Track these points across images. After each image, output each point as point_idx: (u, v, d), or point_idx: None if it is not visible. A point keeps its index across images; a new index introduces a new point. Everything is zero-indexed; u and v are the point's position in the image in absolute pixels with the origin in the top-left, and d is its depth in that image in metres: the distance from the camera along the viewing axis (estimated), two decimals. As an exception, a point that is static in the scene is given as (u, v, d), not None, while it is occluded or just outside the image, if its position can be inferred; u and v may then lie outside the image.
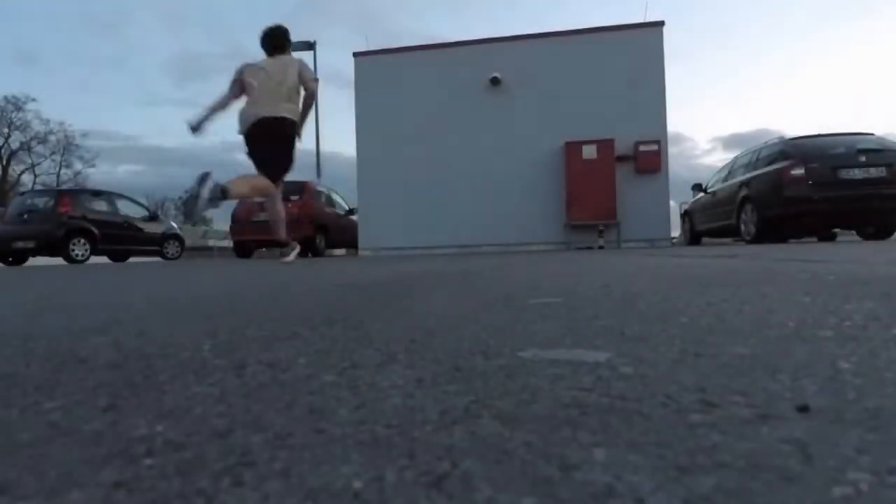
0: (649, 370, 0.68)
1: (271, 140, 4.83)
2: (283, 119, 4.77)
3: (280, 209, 5.26)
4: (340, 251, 14.77)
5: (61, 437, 0.51)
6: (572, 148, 10.49)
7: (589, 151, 10.46)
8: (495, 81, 10.88)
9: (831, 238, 10.56)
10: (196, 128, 5.02)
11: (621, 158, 10.44)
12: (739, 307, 1.22)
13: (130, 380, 0.72)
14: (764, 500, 0.34)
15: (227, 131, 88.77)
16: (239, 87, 4.98)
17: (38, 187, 33.76)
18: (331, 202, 12.57)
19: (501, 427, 0.49)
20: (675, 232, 12.77)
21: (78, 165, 40.64)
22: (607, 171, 10.38)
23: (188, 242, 15.41)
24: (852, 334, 0.87)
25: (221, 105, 5.05)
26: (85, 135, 40.50)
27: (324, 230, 11.59)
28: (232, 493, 0.37)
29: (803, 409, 0.51)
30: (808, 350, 0.77)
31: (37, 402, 0.63)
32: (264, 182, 4.82)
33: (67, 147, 39.94)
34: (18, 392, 0.68)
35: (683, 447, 0.42)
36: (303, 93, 4.97)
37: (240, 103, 5.00)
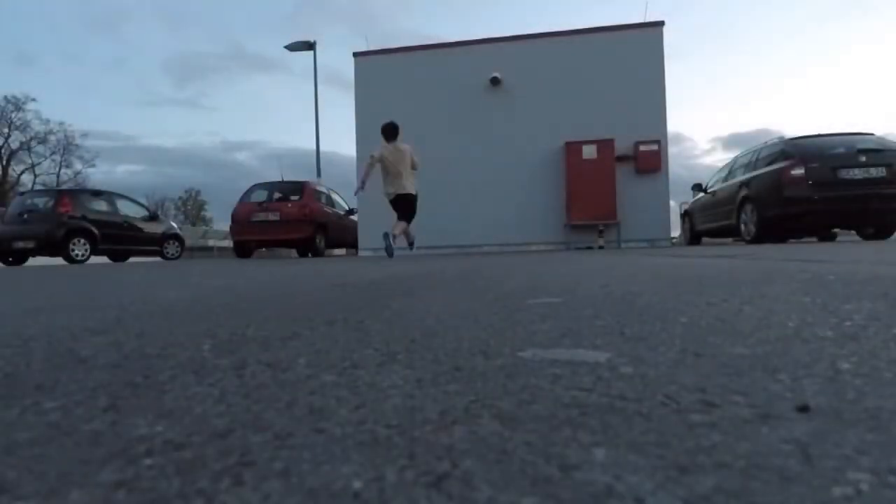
0: (649, 370, 0.68)
1: (404, 203, 8.18)
2: (408, 193, 8.13)
3: (407, 231, 8.37)
4: (340, 251, 14.77)
5: (61, 437, 0.51)
6: (572, 148, 10.49)
7: (589, 151, 10.46)
8: (495, 81, 10.88)
9: (831, 238, 10.56)
10: (361, 188, 8.36)
11: (621, 158, 10.44)
12: (739, 307, 1.22)
13: (130, 380, 0.72)
14: (764, 500, 0.34)
15: (227, 132, 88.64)
16: (376, 163, 8.00)
17: (38, 187, 33.74)
18: (331, 202, 12.56)
19: (501, 427, 0.49)
20: (675, 232, 12.77)
21: (78, 165, 40.64)
22: (607, 171, 10.38)
23: (188, 242, 15.41)
24: (852, 334, 0.87)
25: (367, 173, 8.08)
26: (85, 135, 40.46)
27: (324, 230, 11.58)
28: (232, 493, 0.37)
29: (803, 409, 0.51)
30: (808, 350, 0.77)
31: (37, 402, 0.63)
32: (403, 224, 8.23)
33: (67, 147, 39.95)
34: (18, 392, 0.68)
35: (683, 447, 0.42)
36: (413, 166, 8.17)
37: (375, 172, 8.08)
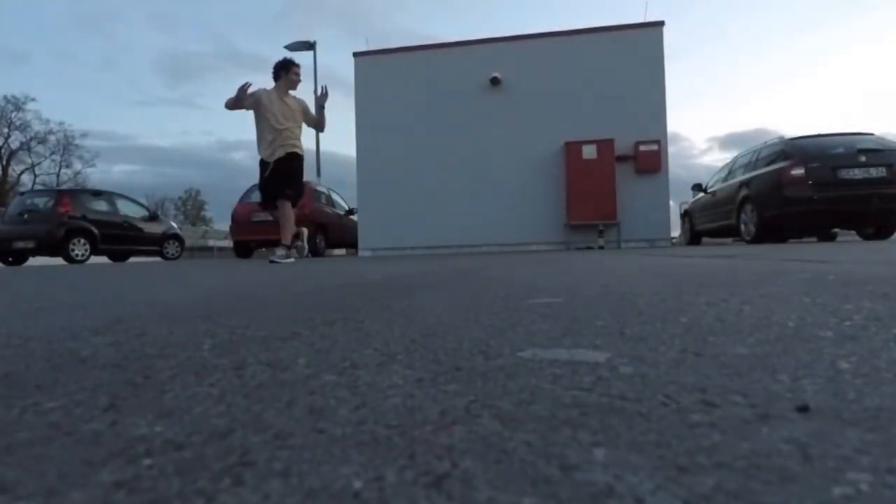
0: (649, 370, 0.68)
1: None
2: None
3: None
4: (340, 251, 14.77)
5: (61, 436, 0.51)
6: (572, 148, 10.50)
7: (589, 151, 10.46)
8: (495, 81, 10.88)
9: (831, 238, 10.57)
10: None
11: (621, 158, 10.45)
12: (739, 307, 1.22)
13: (130, 380, 0.72)
14: (764, 500, 0.34)
15: (223, 131, 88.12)
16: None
17: (38, 187, 33.75)
18: (331, 202, 12.57)
19: (501, 427, 0.49)
20: (675, 232, 12.78)
21: (78, 165, 40.66)
22: (607, 171, 10.38)
23: (188, 243, 15.40)
24: (852, 334, 0.87)
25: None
26: (84, 135, 40.48)
27: (324, 230, 11.58)
28: (232, 492, 0.37)
29: (803, 409, 0.51)
30: (808, 350, 0.77)
31: (37, 402, 0.63)
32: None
33: (67, 147, 39.97)
34: (18, 392, 0.68)
35: (683, 447, 0.42)
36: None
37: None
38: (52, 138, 39.43)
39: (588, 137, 10.45)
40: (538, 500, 0.34)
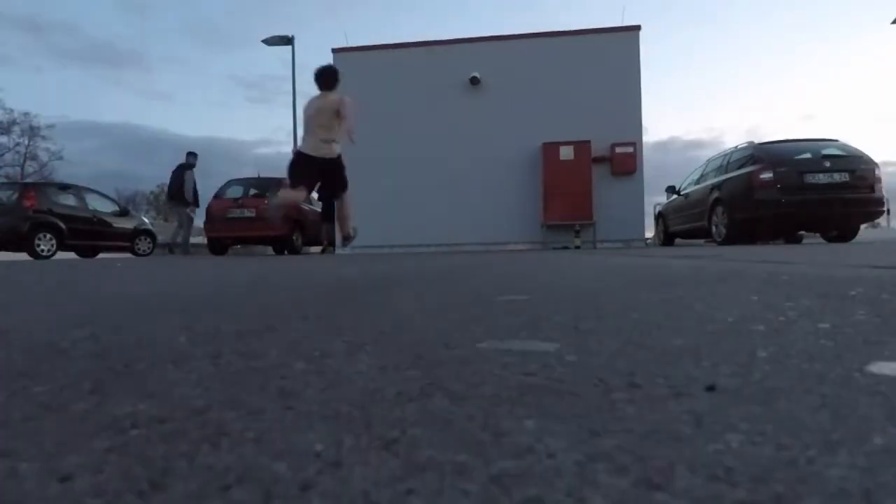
0: (591, 359, 0.76)
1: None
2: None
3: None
4: (317, 249, 14.69)
5: (52, 414, 0.56)
6: (549, 149, 10.65)
7: (566, 152, 10.63)
8: (474, 81, 10.98)
9: (798, 240, 10.92)
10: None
11: (597, 160, 10.64)
12: (690, 304, 1.31)
13: (112, 368, 0.77)
14: (653, 453, 0.41)
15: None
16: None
17: (1, 180, 32.72)
18: (308, 199, 12.52)
19: (450, 404, 0.56)
20: (650, 233, 13.06)
21: (44, 157, 39.45)
22: (584, 172, 10.56)
23: (161, 238, 15.12)
24: (780, 328, 0.96)
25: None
26: (51, 126, 39.24)
27: (301, 228, 11.54)
28: (211, 455, 0.43)
29: (710, 388, 0.59)
30: (736, 341, 0.85)
31: (24, 386, 0.68)
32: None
33: (32, 138, 38.75)
34: (3, 379, 0.72)
35: (601, 418, 0.50)
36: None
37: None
38: (17, 129, 38.17)
39: (565, 139, 10.61)
40: (469, 457, 0.41)
